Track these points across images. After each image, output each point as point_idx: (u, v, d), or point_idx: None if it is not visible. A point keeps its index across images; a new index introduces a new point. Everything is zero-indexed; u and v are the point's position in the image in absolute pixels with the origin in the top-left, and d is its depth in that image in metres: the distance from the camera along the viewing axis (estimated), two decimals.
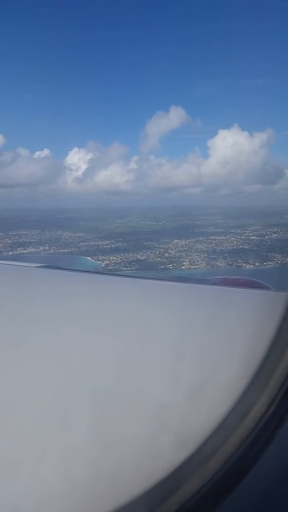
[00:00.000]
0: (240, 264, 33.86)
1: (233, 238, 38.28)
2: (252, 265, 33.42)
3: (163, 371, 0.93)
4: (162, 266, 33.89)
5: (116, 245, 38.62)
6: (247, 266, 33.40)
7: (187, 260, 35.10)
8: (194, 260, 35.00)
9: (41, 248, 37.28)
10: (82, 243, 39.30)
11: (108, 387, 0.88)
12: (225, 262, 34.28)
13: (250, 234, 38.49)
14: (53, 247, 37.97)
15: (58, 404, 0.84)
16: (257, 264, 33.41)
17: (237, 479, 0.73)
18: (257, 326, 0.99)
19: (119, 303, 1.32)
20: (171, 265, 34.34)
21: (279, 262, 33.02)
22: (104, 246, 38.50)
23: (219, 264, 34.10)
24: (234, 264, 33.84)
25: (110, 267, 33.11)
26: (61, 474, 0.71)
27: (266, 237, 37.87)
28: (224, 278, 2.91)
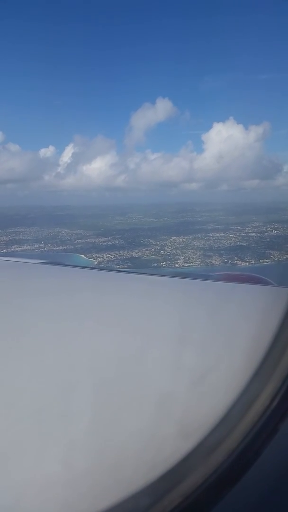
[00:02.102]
0: (235, 261, 33.10)
1: (232, 235, 37.54)
2: (247, 263, 32.65)
3: (166, 365, 0.94)
4: (155, 264, 33.47)
5: (113, 242, 38.33)
6: (243, 264, 32.63)
7: (182, 257, 34.53)
8: (189, 258, 34.41)
9: (36, 245, 37.23)
10: (79, 240, 39.12)
11: (110, 381, 0.90)
12: (220, 260, 33.60)
13: (250, 231, 37.66)
14: (49, 245, 37.88)
15: (60, 397, 0.86)
16: (253, 262, 32.64)
17: (241, 472, 0.74)
18: (260, 321, 1.00)
19: (121, 298, 1.33)
20: (164, 262, 33.83)
21: (276, 259, 32.18)
22: (101, 243, 38.26)
23: (214, 261, 33.45)
24: (229, 261, 33.11)
25: (102, 265, 32.89)
26: (63, 466, 0.72)
27: (266, 234, 36.99)
28: (226, 274, 2.89)
